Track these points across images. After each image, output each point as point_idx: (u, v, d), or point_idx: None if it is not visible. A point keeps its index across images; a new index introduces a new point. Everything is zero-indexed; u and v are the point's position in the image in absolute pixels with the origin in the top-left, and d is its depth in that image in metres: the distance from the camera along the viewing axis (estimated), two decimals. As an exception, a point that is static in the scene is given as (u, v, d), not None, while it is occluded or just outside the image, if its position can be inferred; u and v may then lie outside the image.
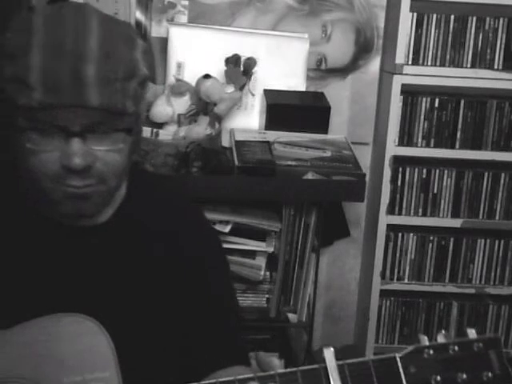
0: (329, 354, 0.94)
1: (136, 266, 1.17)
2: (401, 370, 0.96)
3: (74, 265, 1.14)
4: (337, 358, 0.95)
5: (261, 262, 2.13)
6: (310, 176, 2.06)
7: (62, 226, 1.14)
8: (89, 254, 1.15)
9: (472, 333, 0.98)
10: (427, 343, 0.97)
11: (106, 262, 1.16)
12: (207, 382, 0.98)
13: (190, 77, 2.20)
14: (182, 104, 2.19)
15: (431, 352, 0.97)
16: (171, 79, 2.25)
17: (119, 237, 1.17)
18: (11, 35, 1.05)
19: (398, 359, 0.96)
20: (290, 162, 2.09)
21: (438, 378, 0.97)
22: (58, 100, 1.01)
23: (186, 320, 1.21)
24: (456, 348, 0.97)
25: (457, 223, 2.45)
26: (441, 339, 0.98)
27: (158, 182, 1.37)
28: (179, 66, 2.26)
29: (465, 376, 0.97)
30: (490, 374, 0.97)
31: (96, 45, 1.03)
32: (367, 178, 2.23)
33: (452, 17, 2.33)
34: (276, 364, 0.97)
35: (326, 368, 0.94)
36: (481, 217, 2.45)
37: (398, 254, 2.47)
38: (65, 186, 1.06)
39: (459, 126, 2.40)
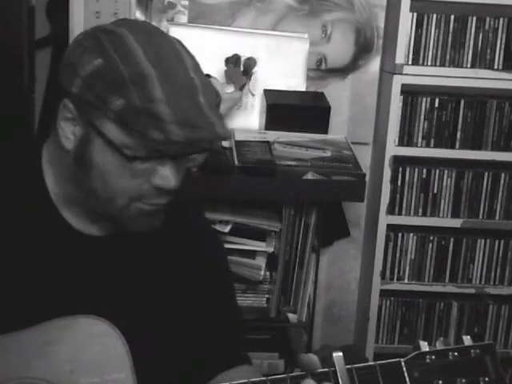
0: (338, 358, 0.99)
1: (146, 268, 1.18)
2: (405, 374, 0.99)
3: (88, 268, 1.14)
4: None
5: (261, 262, 2.13)
6: (310, 176, 2.06)
7: (78, 233, 1.14)
8: (102, 259, 1.15)
9: (468, 339, 1.02)
10: (427, 349, 1.01)
11: (118, 265, 1.16)
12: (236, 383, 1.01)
13: (190, 77, 2.20)
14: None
15: (433, 357, 1.00)
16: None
17: (131, 241, 1.17)
18: (109, 63, 0.99)
19: (403, 364, 1.00)
20: (290, 162, 2.08)
21: (440, 382, 1.00)
22: (198, 135, 0.99)
23: (195, 320, 1.22)
24: (455, 354, 1.01)
25: (457, 223, 2.45)
26: (440, 345, 1.02)
27: None
28: (179, 66, 2.26)
29: (464, 380, 1.01)
30: (486, 379, 1.01)
31: (193, 72, 1.02)
32: (367, 178, 2.23)
33: (452, 17, 2.33)
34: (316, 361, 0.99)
35: (335, 372, 0.98)
36: (481, 217, 2.45)
37: (398, 254, 2.47)
38: (144, 203, 1.06)
39: (459, 126, 2.40)
